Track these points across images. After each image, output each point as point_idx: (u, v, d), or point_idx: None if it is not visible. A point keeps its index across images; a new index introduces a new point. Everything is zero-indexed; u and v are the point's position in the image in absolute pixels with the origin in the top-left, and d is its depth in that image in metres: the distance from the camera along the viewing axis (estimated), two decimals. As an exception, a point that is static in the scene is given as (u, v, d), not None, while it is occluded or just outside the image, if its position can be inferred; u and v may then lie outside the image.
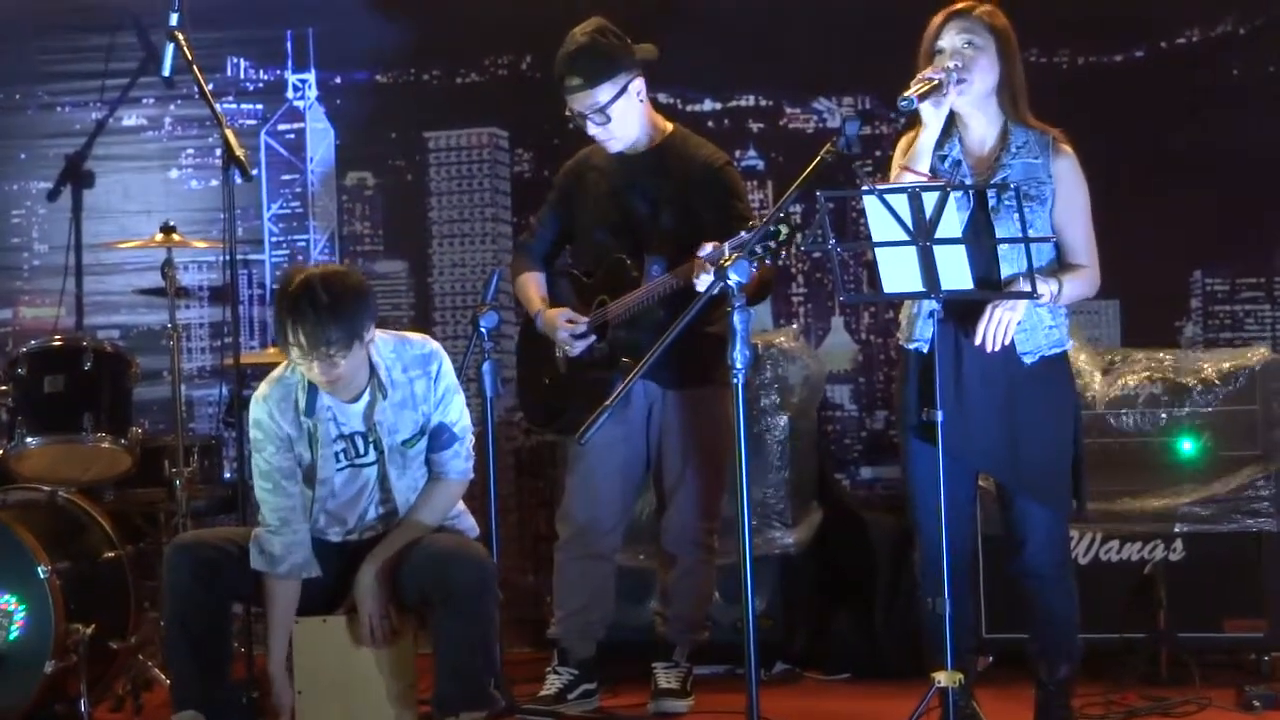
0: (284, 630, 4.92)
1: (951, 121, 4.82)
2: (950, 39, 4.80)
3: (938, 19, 4.85)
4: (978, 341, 4.68)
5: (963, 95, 4.76)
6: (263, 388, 5.05)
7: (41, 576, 5.52)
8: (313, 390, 4.93)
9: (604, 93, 5.63)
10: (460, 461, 5.07)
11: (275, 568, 4.93)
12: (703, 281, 5.10)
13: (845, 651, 6.44)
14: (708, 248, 5.07)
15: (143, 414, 6.58)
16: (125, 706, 5.87)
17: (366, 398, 4.97)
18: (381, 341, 5.01)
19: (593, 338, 5.73)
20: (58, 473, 6.09)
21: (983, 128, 4.86)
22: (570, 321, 5.73)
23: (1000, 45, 4.81)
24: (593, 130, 5.71)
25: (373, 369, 4.95)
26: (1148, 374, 6.23)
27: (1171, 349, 6.52)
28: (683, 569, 5.82)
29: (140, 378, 6.29)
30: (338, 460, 4.99)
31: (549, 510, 6.31)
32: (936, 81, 4.68)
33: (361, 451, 5.00)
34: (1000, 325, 4.67)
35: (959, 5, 4.87)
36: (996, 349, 4.69)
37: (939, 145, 4.82)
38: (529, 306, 5.90)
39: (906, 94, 4.64)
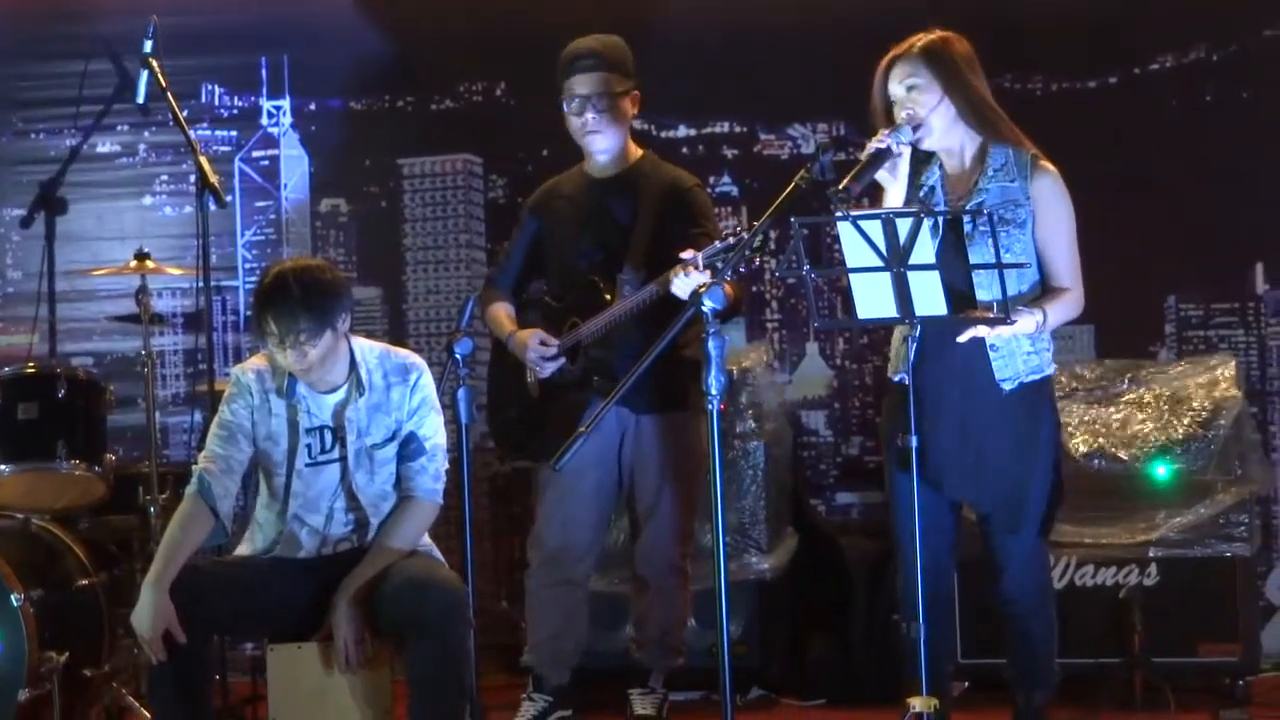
0: (181, 558, 4.84)
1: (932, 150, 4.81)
2: (895, 87, 4.76)
3: (880, 69, 4.80)
4: (962, 338, 4.63)
5: (928, 138, 4.74)
6: (250, 360, 5.14)
7: (15, 604, 5.50)
8: (292, 378, 4.98)
9: (616, 82, 5.68)
10: (428, 480, 5.05)
11: (212, 501, 4.93)
12: (678, 284, 5.11)
13: (821, 676, 6.44)
14: (688, 254, 5.08)
15: (117, 441, 6.56)
16: (99, 735, 5.86)
17: (342, 394, 5.01)
18: (369, 347, 5.08)
19: (563, 360, 5.73)
20: (31, 500, 6.07)
21: (959, 153, 4.82)
22: (543, 344, 5.72)
23: (942, 74, 4.73)
24: (588, 117, 5.70)
25: (354, 366, 5.01)
26: (1123, 401, 6.25)
27: (1142, 362, 6.52)
28: (657, 594, 5.81)
29: (114, 405, 6.26)
30: (308, 454, 5.02)
31: (524, 537, 6.30)
32: (883, 148, 4.63)
33: (327, 447, 5.02)
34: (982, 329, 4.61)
35: (898, 49, 4.79)
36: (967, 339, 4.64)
37: (918, 174, 4.81)
38: (500, 331, 5.89)
39: (844, 184, 4.52)
